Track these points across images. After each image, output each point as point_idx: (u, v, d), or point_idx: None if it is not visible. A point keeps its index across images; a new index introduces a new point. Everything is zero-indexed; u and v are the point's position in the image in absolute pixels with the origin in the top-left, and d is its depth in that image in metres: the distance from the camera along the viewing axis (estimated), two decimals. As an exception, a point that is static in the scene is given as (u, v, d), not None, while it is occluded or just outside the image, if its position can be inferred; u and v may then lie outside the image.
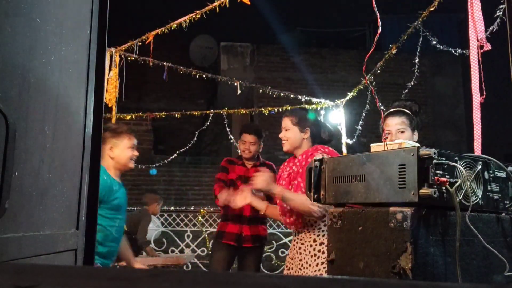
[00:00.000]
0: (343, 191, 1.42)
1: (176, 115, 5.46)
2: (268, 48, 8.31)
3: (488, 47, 2.03)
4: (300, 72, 7.99)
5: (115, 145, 2.43)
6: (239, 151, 3.65)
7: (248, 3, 2.90)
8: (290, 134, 2.39)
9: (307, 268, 2.23)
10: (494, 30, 2.29)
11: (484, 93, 1.99)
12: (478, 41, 2.03)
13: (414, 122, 2.20)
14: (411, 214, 1.18)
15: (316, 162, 1.52)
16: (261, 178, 2.24)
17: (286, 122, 2.42)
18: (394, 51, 3.60)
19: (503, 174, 1.36)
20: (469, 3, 2.05)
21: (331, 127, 2.66)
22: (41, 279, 0.48)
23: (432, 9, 2.97)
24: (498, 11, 2.21)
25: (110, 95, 3.84)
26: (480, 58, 2.00)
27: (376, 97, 2.01)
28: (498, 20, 2.24)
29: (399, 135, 2.15)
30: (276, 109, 5.24)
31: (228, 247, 3.51)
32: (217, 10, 3.15)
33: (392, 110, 2.24)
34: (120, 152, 2.42)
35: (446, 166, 1.21)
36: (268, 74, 8.10)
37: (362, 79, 2.03)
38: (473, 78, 1.99)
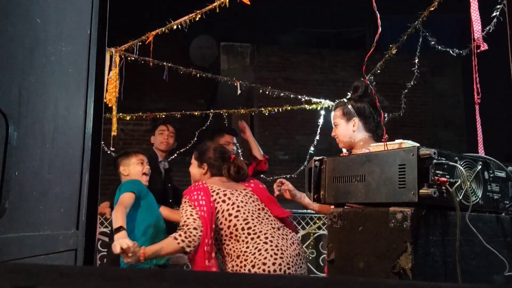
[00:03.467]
0: (343, 191, 1.41)
1: (176, 115, 5.46)
2: (268, 48, 8.29)
3: (484, 47, 2.03)
4: (300, 72, 7.98)
5: (125, 165, 2.77)
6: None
7: (248, 3, 2.90)
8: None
9: None
10: (490, 30, 2.29)
11: (480, 92, 1.98)
12: (474, 41, 2.03)
13: (351, 109, 2.06)
14: (411, 214, 1.18)
15: (316, 162, 1.51)
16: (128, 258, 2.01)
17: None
18: (394, 51, 3.60)
19: (503, 174, 1.36)
20: (471, 3, 2.05)
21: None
22: (41, 279, 0.48)
23: (432, 9, 2.97)
24: (495, 11, 2.20)
25: (110, 95, 3.83)
26: (476, 58, 2.00)
27: (376, 97, 2.00)
28: (495, 20, 2.24)
29: (335, 130, 2.12)
30: (276, 109, 5.23)
31: None
32: (217, 10, 3.15)
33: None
34: (131, 169, 2.77)
35: (446, 166, 1.21)
36: (268, 74, 8.08)
37: (362, 79, 2.02)
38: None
